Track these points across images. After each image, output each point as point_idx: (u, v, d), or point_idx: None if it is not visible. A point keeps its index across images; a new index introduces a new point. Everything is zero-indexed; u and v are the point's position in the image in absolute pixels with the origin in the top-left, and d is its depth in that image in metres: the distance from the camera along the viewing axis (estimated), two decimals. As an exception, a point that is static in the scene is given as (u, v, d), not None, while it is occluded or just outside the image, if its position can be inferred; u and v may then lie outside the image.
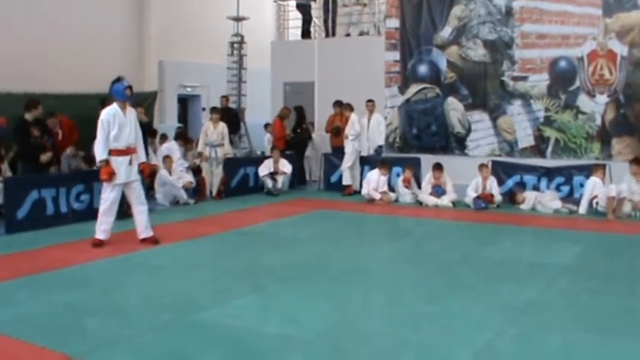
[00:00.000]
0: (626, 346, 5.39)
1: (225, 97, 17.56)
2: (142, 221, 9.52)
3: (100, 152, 9.17)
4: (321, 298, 6.73)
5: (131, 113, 9.43)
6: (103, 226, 9.32)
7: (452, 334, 5.64)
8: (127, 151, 9.29)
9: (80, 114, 13.63)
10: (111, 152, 9.17)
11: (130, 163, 9.32)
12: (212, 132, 14.33)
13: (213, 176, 14.37)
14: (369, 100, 15.45)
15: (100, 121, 9.16)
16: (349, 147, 14.91)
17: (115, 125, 9.15)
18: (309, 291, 7.06)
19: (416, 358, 5.11)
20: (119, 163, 9.21)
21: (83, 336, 5.58)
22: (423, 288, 7.22)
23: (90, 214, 10.61)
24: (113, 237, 9.47)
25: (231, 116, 16.91)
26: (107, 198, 9.33)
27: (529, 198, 12.92)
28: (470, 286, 7.23)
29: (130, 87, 9.39)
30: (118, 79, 9.38)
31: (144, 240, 9.48)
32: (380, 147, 15.57)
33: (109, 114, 9.17)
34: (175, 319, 6.03)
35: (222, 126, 14.44)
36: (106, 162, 9.15)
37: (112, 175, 9.16)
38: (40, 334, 5.57)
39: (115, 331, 5.70)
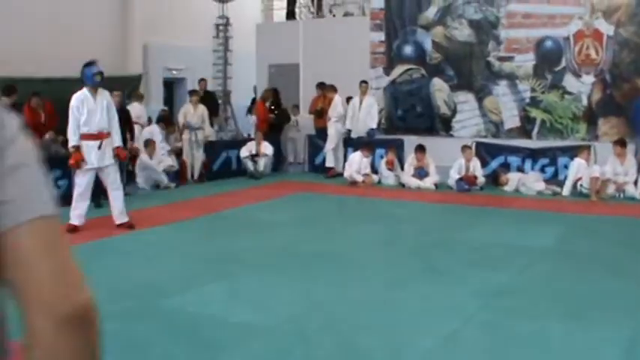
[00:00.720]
0: (595, 333, 5.26)
1: (203, 81, 17.30)
2: (116, 207, 9.39)
3: (70, 138, 9.08)
4: (290, 285, 6.58)
5: (103, 98, 9.21)
6: (77, 211, 9.16)
7: (419, 321, 5.51)
8: (99, 136, 9.12)
9: (62, 98, 13.36)
10: (82, 136, 9.04)
11: (100, 147, 9.13)
12: (192, 115, 14.14)
13: (195, 159, 14.22)
14: (363, 82, 15.16)
15: (70, 106, 9.03)
16: (332, 128, 14.75)
17: (85, 110, 9.00)
18: (278, 277, 6.89)
19: (379, 345, 4.98)
20: (90, 148, 9.07)
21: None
22: (395, 272, 7.08)
23: (68, 199, 10.40)
24: (90, 222, 9.37)
25: (210, 99, 16.66)
26: (80, 183, 9.20)
27: (513, 179, 12.80)
28: (443, 271, 7.10)
29: (101, 72, 9.14)
30: (90, 64, 9.14)
31: (120, 225, 9.37)
32: (372, 130, 15.07)
33: (78, 99, 9.03)
34: (139, 306, 5.89)
35: (202, 109, 14.27)
36: (76, 148, 9.03)
37: (79, 161, 9.06)
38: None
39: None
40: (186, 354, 4.85)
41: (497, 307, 5.87)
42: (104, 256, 7.87)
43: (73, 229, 9.03)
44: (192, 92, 14.76)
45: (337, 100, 14.75)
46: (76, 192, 9.19)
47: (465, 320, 5.49)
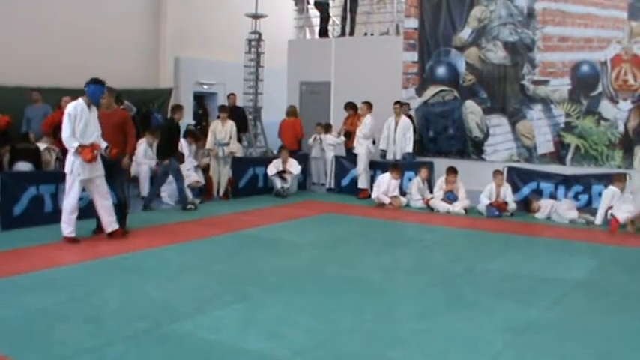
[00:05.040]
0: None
1: (232, 95, 17.11)
2: (106, 215, 9.44)
3: (72, 142, 8.94)
4: (309, 311, 6.33)
5: (94, 111, 9.24)
6: (73, 224, 9.23)
7: (440, 356, 5.22)
8: (92, 147, 9.12)
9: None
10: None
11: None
12: (220, 131, 13.95)
13: (221, 176, 14.01)
14: (397, 102, 14.89)
15: (67, 114, 8.99)
16: (362, 148, 14.38)
17: (82, 121, 9.02)
18: (297, 302, 6.65)
19: (398, 383, 4.71)
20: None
21: (50, 344, 5.25)
22: (419, 302, 6.79)
23: (91, 211, 10.30)
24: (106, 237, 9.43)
25: (239, 115, 16.47)
26: (73, 194, 9.18)
27: (545, 207, 12.45)
28: (469, 302, 6.81)
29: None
30: (101, 82, 9.25)
31: (111, 234, 9.46)
32: (409, 154, 14.67)
33: (76, 108, 9.03)
34: (149, 329, 5.66)
35: (231, 125, 14.04)
36: (81, 146, 8.97)
37: (94, 152, 9.04)
38: (4, 341, 5.24)
39: (84, 340, 5.36)
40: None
41: (525, 344, 5.56)
42: (121, 273, 7.66)
43: (75, 240, 9.16)
44: (221, 108, 14.59)
45: (367, 119, 14.42)
46: (70, 204, 9.16)
47: (492, 358, 5.19)
